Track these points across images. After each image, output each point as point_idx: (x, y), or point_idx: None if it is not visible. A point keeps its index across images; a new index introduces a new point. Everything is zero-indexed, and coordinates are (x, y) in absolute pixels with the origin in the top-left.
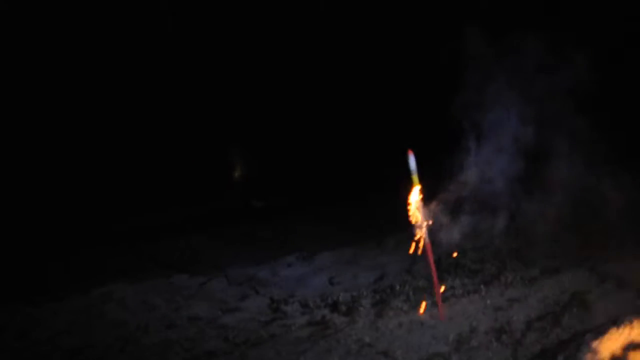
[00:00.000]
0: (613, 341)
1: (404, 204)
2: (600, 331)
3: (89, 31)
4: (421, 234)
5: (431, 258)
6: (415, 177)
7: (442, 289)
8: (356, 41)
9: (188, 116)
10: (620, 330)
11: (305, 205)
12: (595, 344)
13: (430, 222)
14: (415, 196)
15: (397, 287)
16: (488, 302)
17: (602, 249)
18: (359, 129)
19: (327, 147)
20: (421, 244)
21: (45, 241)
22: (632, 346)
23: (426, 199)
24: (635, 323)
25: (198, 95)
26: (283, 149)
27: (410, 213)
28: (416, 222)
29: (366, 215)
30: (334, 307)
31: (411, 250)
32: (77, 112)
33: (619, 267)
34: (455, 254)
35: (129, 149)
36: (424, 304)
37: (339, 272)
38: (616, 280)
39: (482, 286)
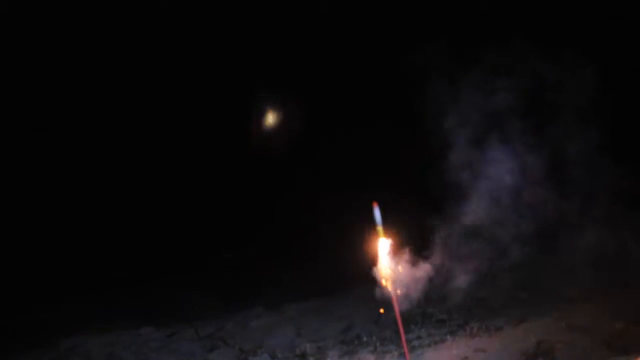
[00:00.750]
0: None
1: (371, 255)
2: None
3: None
4: (388, 285)
5: (397, 309)
6: (380, 229)
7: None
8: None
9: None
10: None
11: (273, 256)
12: None
13: (397, 273)
14: (382, 248)
15: (364, 338)
16: (454, 352)
17: (567, 297)
18: (323, 180)
19: (293, 200)
20: (388, 294)
21: (15, 293)
22: None
23: (393, 250)
24: None
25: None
26: (251, 202)
27: (377, 265)
28: (383, 273)
29: (333, 267)
30: (302, 358)
31: (382, 310)
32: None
33: (584, 315)
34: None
35: (101, 206)
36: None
37: (306, 323)
38: (581, 329)
39: (448, 336)
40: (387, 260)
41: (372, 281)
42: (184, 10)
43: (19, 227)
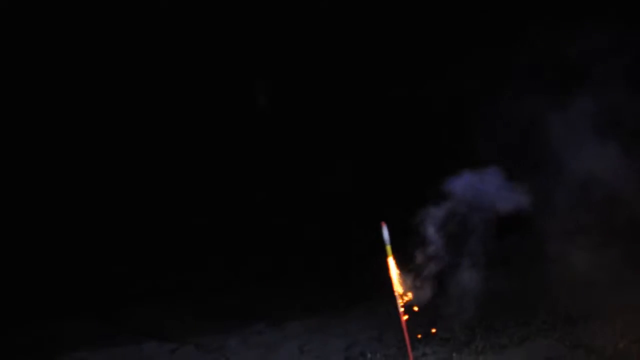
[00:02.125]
0: None
1: (374, 272)
2: None
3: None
4: (398, 301)
5: (404, 326)
6: (388, 248)
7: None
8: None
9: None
10: None
11: (274, 273)
12: None
13: (404, 291)
14: (391, 267)
15: (369, 355)
16: None
17: (570, 316)
18: (328, 197)
19: (296, 216)
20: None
21: (12, 308)
22: None
23: (400, 268)
24: None
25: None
26: (254, 218)
27: (391, 282)
28: (395, 290)
29: (335, 283)
30: None
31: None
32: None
33: (587, 334)
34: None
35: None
36: None
37: (309, 340)
38: (585, 348)
39: (454, 354)
40: (396, 278)
41: (375, 298)
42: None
43: (17, 242)
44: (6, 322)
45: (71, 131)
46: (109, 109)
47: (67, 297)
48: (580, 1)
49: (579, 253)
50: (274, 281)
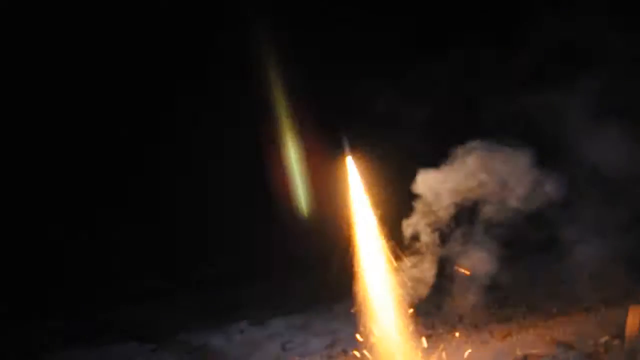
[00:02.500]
0: None
1: (355, 271)
2: None
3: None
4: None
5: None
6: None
7: None
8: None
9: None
10: None
11: (257, 270)
12: None
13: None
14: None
15: (350, 352)
16: None
17: (550, 313)
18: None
19: (281, 212)
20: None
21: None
22: None
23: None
24: None
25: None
26: (236, 215)
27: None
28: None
29: (318, 282)
30: None
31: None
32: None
33: (567, 330)
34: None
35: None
36: None
37: (291, 338)
38: (565, 343)
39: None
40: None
41: (356, 297)
42: None
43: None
44: (6, 322)
45: (72, 132)
46: (108, 109)
47: (50, 299)
48: None
49: (566, 248)
50: (257, 280)
